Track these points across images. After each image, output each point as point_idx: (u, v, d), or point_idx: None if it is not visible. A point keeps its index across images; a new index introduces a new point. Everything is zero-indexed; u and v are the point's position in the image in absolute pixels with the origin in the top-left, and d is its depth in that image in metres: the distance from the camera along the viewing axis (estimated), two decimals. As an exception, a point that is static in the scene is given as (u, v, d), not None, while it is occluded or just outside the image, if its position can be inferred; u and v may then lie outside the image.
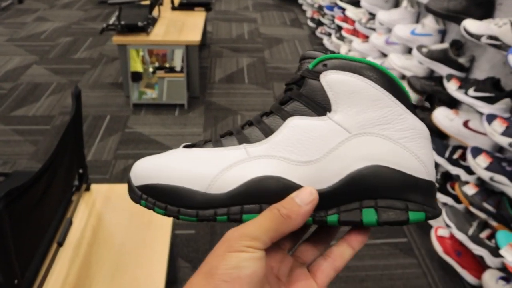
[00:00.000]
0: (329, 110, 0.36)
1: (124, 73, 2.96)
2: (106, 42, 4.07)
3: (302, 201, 0.34)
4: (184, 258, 1.82)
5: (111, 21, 2.83)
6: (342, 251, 0.38)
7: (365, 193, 0.35)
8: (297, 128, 0.36)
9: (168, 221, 1.29)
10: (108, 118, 2.86)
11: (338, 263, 0.38)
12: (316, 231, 0.41)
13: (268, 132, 0.37)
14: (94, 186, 1.40)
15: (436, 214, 0.36)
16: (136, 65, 2.89)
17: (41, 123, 2.78)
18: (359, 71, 0.36)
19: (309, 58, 0.39)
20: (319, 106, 0.36)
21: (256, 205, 0.35)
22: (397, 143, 0.35)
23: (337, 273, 0.38)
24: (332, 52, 0.38)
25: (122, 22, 2.74)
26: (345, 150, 0.35)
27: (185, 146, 0.40)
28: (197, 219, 0.36)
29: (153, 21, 2.99)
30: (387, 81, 0.36)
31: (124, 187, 1.45)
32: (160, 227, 1.27)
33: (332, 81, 0.36)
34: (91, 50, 3.94)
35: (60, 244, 1.11)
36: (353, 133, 0.35)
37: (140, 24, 2.77)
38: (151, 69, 2.91)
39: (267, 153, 0.36)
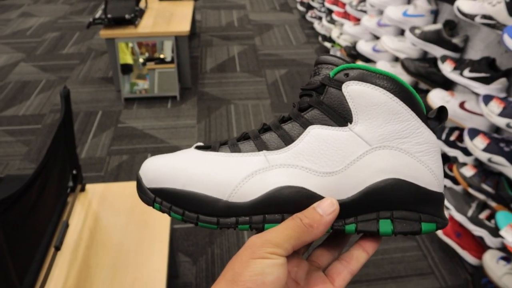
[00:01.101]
0: (350, 121, 0.36)
1: (114, 67, 2.91)
2: (94, 35, 4.00)
3: (324, 212, 0.35)
4: (184, 252, 1.81)
5: (97, 15, 2.77)
6: (358, 256, 0.39)
7: (382, 205, 0.36)
8: (318, 137, 0.36)
9: (166, 218, 1.28)
10: (100, 113, 2.82)
11: (354, 266, 0.39)
12: (330, 236, 0.42)
13: (287, 139, 0.37)
14: (89, 186, 1.37)
15: (445, 224, 0.37)
16: (126, 57, 2.85)
17: (32, 122, 2.74)
18: (380, 84, 0.36)
19: (325, 63, 0.39)
20: (340, 116, 0.36)
21: (279, 215, 0.36)
22: (414, 157, 0.36)
23: (352, 276, 0.39)
24: (347, 61, 0.37)
25: (109, 16, 2.69)
26: (366, 163, 0.36)
27: (198, 148, 0.39)
28: (218, 227, 0.36)
29: (141, 13, 2.94)
30: (406, 94, 0.36)
31: (120, 185, 1.43)
32: (158, 225, 1.25)
33: (354, 92, 0.36)
34: (79, 44, 3.88)
35: (58, 248, 1.09)
36: (373, 146, 0.36)
37: (127, 16, 2.71)
38: (141, 60, 2.87)
39: (288, 162, 0.36)
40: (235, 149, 0.38)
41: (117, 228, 1.24)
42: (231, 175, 0.36)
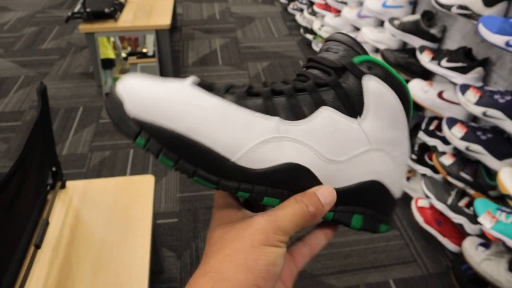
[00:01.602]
0: (360, 114, 0.36)
1: (94, 62, 2.87)
2: (74, 30, 3.94)
3: (325, 201, 0.35)
4: (168, 247, 1.81)
5: (76, 9, 2.72)
6: (319, 240, 0.40)
7: (360, 201, 0.37)
8: (330, 121, 0.35)
9: (149, 213, 1.27)
10: (81, 109, 2.79)
11: (314, 249, 0.40)
12: None
13: (299, 112, 0.35)
14: (69, 183, 1.36)
15: (390, 228, 0.41)
16: (108, 52, 2.81)
17: (11, 119, 2.69)
18: (396, 89, 0.36)
19: (338, 41, 0.38)
20: (352, 106, 0.36)
21: (280, 190, 0.34)
22: (397, 165, 0.38)
23: (311, 258, 0.40)
24: (361, 46, 0.38)
25: (88, 10, 2.64)
26: (363, 161, 0.36)
27: (198, 84, 0.34)
28: (216, 187, 0.33)
29: (121, 7, 2.90)
30: (408, 105, 0.37)
31: (101, 181, 1.42)
32: (140, 220, 1.25)
33: (374, 89, 0.36)
34: (58, 39, 3.81)
35: (38, 247, 1.08)
36: (373, 146, 0.36)
37: (107, 10, 2.67)
38: (123, 55, 2.83)
39: (300, 138, 0.34)
40: (242, 103, 0.34)
41: (99, 225, 1.23)
42: (244, 134, 0.33)
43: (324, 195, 0.35)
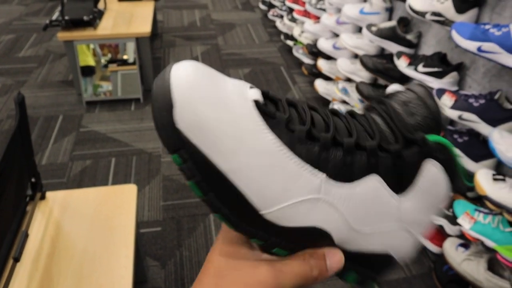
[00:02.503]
0: (404, 191, 0.33)
1: (74, 70, 2.84)
2: (52, 38, 3.89)
3: (331, 267, 0.34)
4: (152, 257, 1.80)
5: (54, 17, 2.69)
6: None
7: (363, 263, 0.36)
8: (373, 191, 0.32)
9: (131, 223, 1.26)
10: (61, 118, 2.75)
11: None
12: None
13: (347, 175, 0.31)
14: (49, 194, 1.34)
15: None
16: (87, 59, 2.79)
17: (-12, 129, 2.64)
18: (452, 179, 0.34)
19: (420, 98, 0.35)
20: (401, 180, 0.33)
21: (293, 245, 0.33)
22: (415, 240, 0.37)
23: None
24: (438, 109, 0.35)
25: (66, 17, 2.62)
26: (386, 235, 0.35)
27: (261, 107, 0.30)
28: (235, 229, 0.31)
29: (100, 14, 2.88)
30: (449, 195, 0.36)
31: (82, 192, 1.41)
32: (123, 230, 1.24)
33: (432, 175, 0.33)
34: (36, 47, 3.76)
35: (17, 260, 1.07)
36: (402, 225, 0.35)
37: (85, 18, 2.65)
38: (103, 62, 2.81)
39: (337, 202, 0.31)
40: (298, 148, 0.30)
41: (80, 236, 1.22)
42: (284, 189, 0.30)
43: (332, 261, 0.33)
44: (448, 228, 1.67)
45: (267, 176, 0.29)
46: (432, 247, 1.78)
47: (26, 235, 1.14)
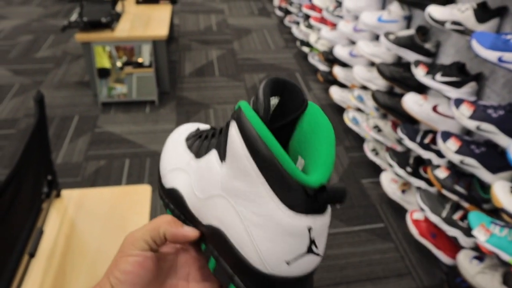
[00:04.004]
0: (224, 158, 0.36)
1: (90, 71, 2.88)
2: (69, 39, 3.95)
3: (186, 237, 0.39)
4: (162, 258, 1.80)
5: (73, 18, 2.73)
6: None
7: (215, 245, 0.37)
8: (208, 162, 0.38)
9: (144, 223, 1.27)
10: (77, 118, 2.78)
11: None
12: None
13: (200, 153, 0.41)
14: (65, 192, 1.35)
15: None
16: (103, 61, 2.82)
17: (5, 127, 2.68)
18: (249, 140, 0.32)
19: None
20: (224, 150, 0.36)
21: (166, 199, 0.45)
22: (245, 223, 0.33)
23: None
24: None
25: (85, 19, 2.65)
26: (213, 204, 0.36)
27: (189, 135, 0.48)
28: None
29: (118, 17, 2.91)
30: (264, 162, 0.32)
31: (97, 191, 1.42)
32: (136, 231, 1.24)
33: (230, 135, 0.34)
34: (53, 48, 3.81)
35: (32, 255, 1.07)
36: (221, 193, 0.35)
37: (103, 20, 2.69)
38: (119, 64, 2.84)
39: (190, 172, 0.42)
40: (190, 142, 0.46)
41: (94, 234, 1.22)
42: (175, 159, 0.46)
43: (186, 232, 0.40)
44: (462, 239, 1.64)
45: (170, 153, 0.46)
46: (445, 258, 1.76)
47: (41, 232, 1.15)
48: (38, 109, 1.14)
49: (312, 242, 0.32)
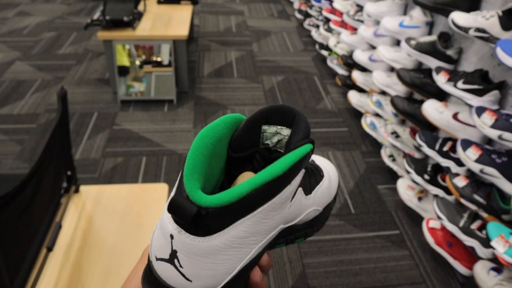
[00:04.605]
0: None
1: (111, 69, 2.91)
2: (91, 36, 4.00)
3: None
4: (176, 257, 1.81)
5: (95, 16, 2.77)
6: None
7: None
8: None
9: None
10: (96, 115, 2.82)
11: None
12: None
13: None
14: (83, 188, 1.37)
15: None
16: (122, 59, 2.85)
17: (26, 121, 2.73)
18: None
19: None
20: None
21: None
22: None
23: None
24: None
25: (107, 17, 2.69)
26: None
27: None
28: None
29: (139, 16, 2.94)
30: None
31: (114, 187, 1.43)
32: (151, 228, 1.25)
33: None
34: (75, 45, 3.88)
35: (50, 249, 1.09)
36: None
37: (125, 19, 2.72)
38: (138, 63, 2.87)
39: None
40: None
41: (111, 231, 1.24)
42: None
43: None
44: (480, 250, 1.61)
45: None
46: (461, 269, 1.73)
47: (59, 226, 1.17)
48: (61, 105, 1.16)
49: (174, 252, 0.31)
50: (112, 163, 2.37)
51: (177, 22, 2.98)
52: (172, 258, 0.32)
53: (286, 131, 0.38)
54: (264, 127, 0.38)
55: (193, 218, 0.29)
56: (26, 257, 1.04)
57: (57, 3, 5.01)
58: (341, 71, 3.13)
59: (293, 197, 0.36)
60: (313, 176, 0.43)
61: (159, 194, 1.36)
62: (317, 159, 0.48)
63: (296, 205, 0.38)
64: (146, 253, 0.37)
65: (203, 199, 0.29)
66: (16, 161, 2.36)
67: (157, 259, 0.33)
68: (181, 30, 2.86)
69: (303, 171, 0.35)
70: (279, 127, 0.38)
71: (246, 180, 0.31)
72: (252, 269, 0.35)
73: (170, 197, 0.31)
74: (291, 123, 0.38)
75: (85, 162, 2.37)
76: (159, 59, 2.93)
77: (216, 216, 0.30)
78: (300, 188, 0.38)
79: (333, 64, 3.27)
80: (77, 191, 1.34)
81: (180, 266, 0.32)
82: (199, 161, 0.33)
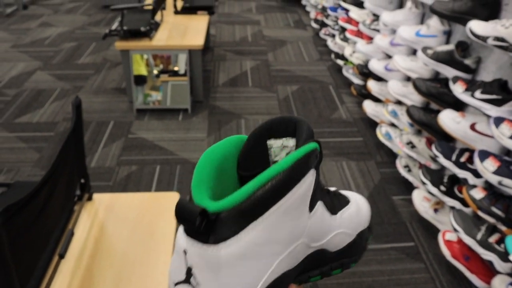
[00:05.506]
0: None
1: (127, 78, 2.95)
2: (109, 46, 4.07)
3: None
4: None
5: (113, 27, 2.82)
6: None
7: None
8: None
9: (172, 229, 1.28)
10: (112, 124, 2.86)
11: None
12: None
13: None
14: (96, 196, 1.38)
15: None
16: (140, 69, 2.89)
17: (44, 129, 2.78)
18: None
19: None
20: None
21: None
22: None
23: None
24: None
25: (125, 28, 2.73)
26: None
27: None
28: None
29: (156, 26, 2.98)
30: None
31: (127, 196, 1.44)
32: (163, 237, 1.25)
33: None
34: (94, 55, 3.95)
35: (62, 256, 1.10)
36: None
37: (142, 29, 2.76)
38: (155, 72, 2.91)
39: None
40: None
41: (122, 239, 1.24)
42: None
43: None
44: (498, 264, 1.57)
45: None
46: (478, 283, 1.68)
47: (72, 234, 1.18)
48: (75, 113, 1.18)
49: (189, 269, 0.30)
50: (126, 171, 2.39)
51: (193, 32, 3.01)
52: (188, 277, 0.30)
53: (291, 142, 0.37)
54: (270, 142, 0.37)
55: (201, 223, 0.28)
56: (38, 264, 1.04)
57: (78, 14, 5.12)
58: (356, 80, 3.11)
59: (312, 207, 0.34)
60: (337, 199, 0.41)
61: (170, 203, 1.36)
62: (343, 191, 0.47)
63: (318, 220, 0.36)
64: None
65: (210, 204, 0.29)
66: (34, 169, 2.40)
67: (175, 284, 0.32)
68: (197, 40, 2.89)
69: (314, 173, 0.34)
70: (284, 139, 0.37)
71: (251, 180, 0.30)
72: None
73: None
74: (294, 132, 0.37)
75: (100, 170, 2.39)
76: (176, 68, 2.96)
77: (225, 220, 0.28)
78: (321, 202, 0.36)
79: (349, 73, 3.26)
80: (90, 198, 1.36)
81: (197, 284, 0.30)
82: (206, 174, 0.32)
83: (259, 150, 0.37)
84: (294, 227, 0.33)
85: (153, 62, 2.93)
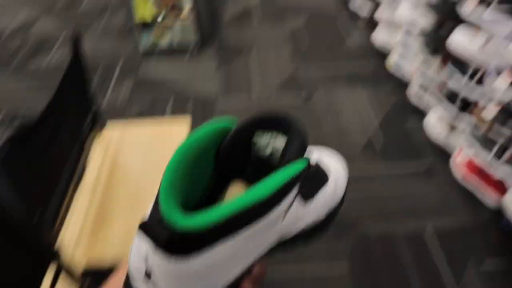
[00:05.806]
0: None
1: (132, 21, 2.89)
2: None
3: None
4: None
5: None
6: None
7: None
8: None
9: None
10: (120, 66, 2.84)
11: None
12: None
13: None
14: (108, 126, 1.40)
15: None
16: (145, 13, 2.81)
17: (54, 76, 2.77)
18: None
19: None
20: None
21: None
22: None
23: None
24: None
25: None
26: None
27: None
28: None
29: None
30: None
31: (138, 123, 1.45)
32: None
33: None
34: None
35: (77, 186, 1.13)
36: None
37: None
38: (161, 17, 2.84)
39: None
40: None
41: (135, 166, 1.27)
42: None
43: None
44: (510, 181, 1.58)
45: None
46: (490, 200, 1.70)
47: (85, 163, 1.21)
48: (74, 45, 1.17)
49: (149, 273, 0.29)
50: (138, 110, 2.41)
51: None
52: (148, 278, 0.29)
53: (279, 141, 0.34)
54: (256, 138, 0.35)
55: (169, 243, 0.26)
56: (55, 193, 1.08)
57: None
58: (364, 12, 3.00)
59: (285, 215, 0.32)
60: (316, 179, 0.39)
61: (181, 126, 1.37)
62: (325, 156, 0.43)
63: (290, 220, 0.34)
64: (125, 264, 0.34)
65: (179, 221, 0.26)
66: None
67: (133, 277, 0.31)
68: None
69: (296, 189, 0.31)
70: (271, 135, 0.34)
71: (229, 201, 0.27)
72: (240, 283, 0.32)
73: (146, 214, 0.29)
74: (287, 130, 0.33)
75: (111, 110, 2.41)
76: (181, 10, 2.87)
77: (193, 239, 0.27)
78: (296, 201, 0.34)
79: (356, 5, 3.14)
80: (102, 127, 1.37)
81: (155, 284, 0.29)
82: (178, 177, 0.30)
83: (242, 145, 0.34)
84: (267, 237, 0.31)
85: (157, 6, 2.83)
